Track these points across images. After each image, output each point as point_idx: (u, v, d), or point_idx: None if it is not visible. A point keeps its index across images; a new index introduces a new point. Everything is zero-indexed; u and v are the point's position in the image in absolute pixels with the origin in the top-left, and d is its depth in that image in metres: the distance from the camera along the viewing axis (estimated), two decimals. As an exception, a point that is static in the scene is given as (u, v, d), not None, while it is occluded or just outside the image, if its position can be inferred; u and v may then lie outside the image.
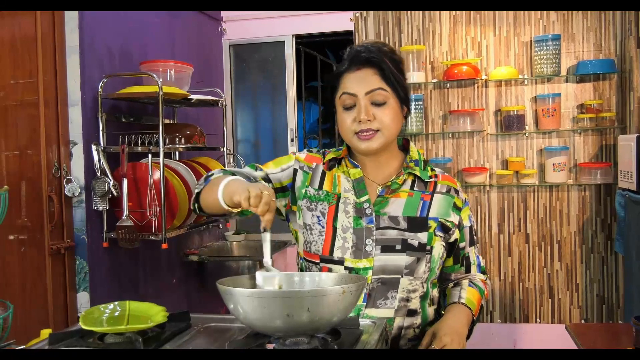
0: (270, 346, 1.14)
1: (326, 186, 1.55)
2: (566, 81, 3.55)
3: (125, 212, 2.55)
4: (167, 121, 3.11)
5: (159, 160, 2.57)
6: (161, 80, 2.61)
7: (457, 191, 1.60)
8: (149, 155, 2.59)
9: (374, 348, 1.14)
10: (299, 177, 1.57)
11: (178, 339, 1.22)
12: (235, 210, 1.32)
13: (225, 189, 1.33)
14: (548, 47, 3.44)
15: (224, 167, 3.22)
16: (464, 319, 1.52)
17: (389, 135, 1.49)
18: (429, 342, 1.43)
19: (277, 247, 3.60)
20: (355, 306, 1.15)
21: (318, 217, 1.52)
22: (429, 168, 1.59)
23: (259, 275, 1.24)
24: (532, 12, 3.56)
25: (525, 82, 3.58)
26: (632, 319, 1.79)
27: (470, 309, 1.55)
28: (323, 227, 1.51)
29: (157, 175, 2.58)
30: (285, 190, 1.57)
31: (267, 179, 1.55)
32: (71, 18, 2.51)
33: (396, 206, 1.52)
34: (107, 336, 1.22)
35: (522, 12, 3.56)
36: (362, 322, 1.30)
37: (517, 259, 3.61)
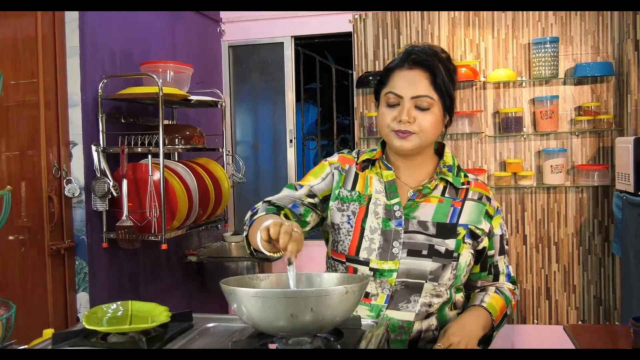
0: (273, 346, 1.15)
1: (358, 187, 1.56)
2: (564, 83, 3.57)
3: (125, 212, 2.55)
4: (166, 122, 3.11)
5: (159, 161, 2.57)
6: (161, 81, 2.62)
7: (489, 199, 1.58)
8: (149, 156, 2.59)
9: (376, 347, 1.14)
10: (335, 178, 1.58)
11: (181, 339, 1.23)
12: (277, 255, 1.28)
13: (261, 233, 1.26)
14: (546, 50, 3.45)
15: (223, 168, 3.23)
16: (480, 321, 1.50)
17: (425, 140, 1.49)
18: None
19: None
20: (357, 306, 1.16)
21: (348, 216, 1.53)
22: (462, 174, 1.58)
23: None
24: (531, 15, 3.57)
25: (524, 84, 3.59)
26: (630, 321, 1.80)
27: (490, 313, 1.52)
28: (351, 226, 1.51)
29: (157, 175, 2.59)
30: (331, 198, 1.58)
31: (311, 194, 1.55)
32: (72, 19, 2.51)
33: (426, 211, 1.52)
34: (110, 336, 1.22)
35: (520, 14, 3.58)
36: (364, 322, 1.31)
37: (515, 261, 3.62)
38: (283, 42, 3.91)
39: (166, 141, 2.74)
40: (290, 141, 3.94)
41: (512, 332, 3.63)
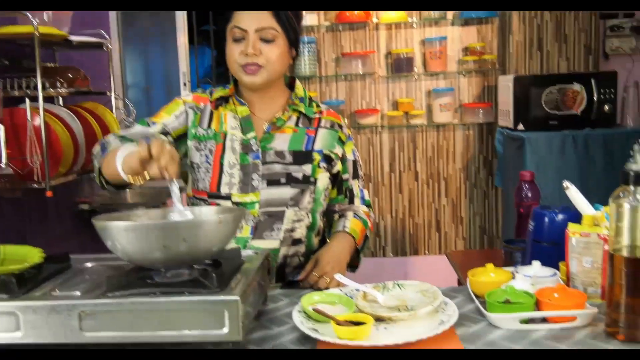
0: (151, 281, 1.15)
1: (214, 125, 1.58)
2: (452, 24, 3.68)
3: (4, 160, 2.41)
4: (48, 65, 2.95)
5: (39, 105, 2.44)
6: (37, 20, 2.45)
7: (340, 126, 1.68)
8: (27, 100, 2.45)
9: (252, 276, 1.18)
10: (190, 117, 1.60)
11: (56, 280, 1.20)
12: (137, 180, 1.28)
13: (124, 158, 1.28)
14: (434, -10, 3.53)
15: (112, 112, 3.11)
16: (347, 246, 1.60)
17: (273, 72, 1.54)
18: (312, 269, 1.51)
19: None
20: (233, 236, 1.19)
21: (206, 155, 1.56)
22: (314, 104, 1.66)
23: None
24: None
25: (414, 25, 3.67)
26: (502, 243, 1.95)
27: (353, 237, 1.63)
28: (210, 164, 1.55)
29: (37, 121, 2.46)
30: (184, 136, 1.59)
31: (164, 132, 1.55)
32: None
33: (282, 141, 1.58)
34: (-20, 280, 1.18)
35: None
36: (245, 252, 1.34)
37: (407, 196, 3.79)
38: (172, -19, 3.75)
39: (46, 84, 2.60)
40: (184, 85, 3.84)
41: (404, 263, 3.82)
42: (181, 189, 1.23)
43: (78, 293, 1.11)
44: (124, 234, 1.07)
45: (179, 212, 1.21)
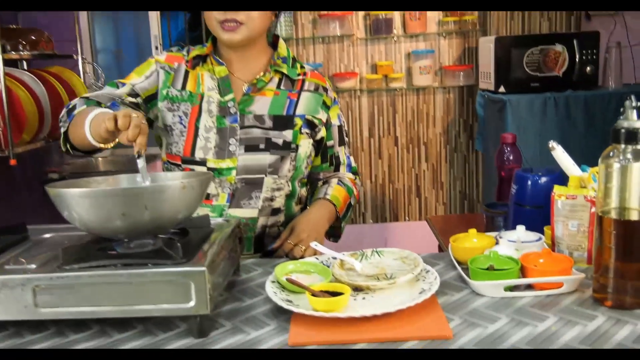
0: (113, 252, 1.08)
1: (189, 86, 1.48)
2: (432, -16, 3.58)
3: (-36, 127, 2.30)
4: (10, 27, 2.80)
5: (-1, 68, 2.32)
6: (-7, -23, 2.31)
7: (325, 89, 1.58)
8: (-14, 63, 2.32)
9: (221, 245, 1.11)
10: (161, 77, 1.49)
11: (10, 252, 1.12)
12: (107, 146, 1.23)
13: (91, 124, 1.21)
14: (414, -52, 3.41)
15: (80, 77, 2.99)
16: (325, 214, 1.53)
17: (254, 29, 1.43)
18: (287, 237, 1.44)
19: (147, 160, 3.47)
20: (200, 202, 1.11)
21: (180, 117, 1.47)
22: (298, 65, 1.56)
23: None
24: None
25: (393, -16, 3.56)
26: (482, 207, 1.90)
27: (334, 205, 1.56)
28: (185, 127, 1.46)
29: (-2, 85, 2.34)
30: (155, 97, 1.49)
31: (133, 93, 1.46)
32: None
33: (262, 105, 1.49)
34: None
35: None
36: (215, 220, 1.26)
37: (387, 162, 3.73)
38: (141, -62, 3.59)
39: (7, 47, 2.47)
40: (156, 48, 3.71)
41: (384, 229, 3.78)
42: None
43: (33, 266, 1.03)
44: (79, 201, 0.99)
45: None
